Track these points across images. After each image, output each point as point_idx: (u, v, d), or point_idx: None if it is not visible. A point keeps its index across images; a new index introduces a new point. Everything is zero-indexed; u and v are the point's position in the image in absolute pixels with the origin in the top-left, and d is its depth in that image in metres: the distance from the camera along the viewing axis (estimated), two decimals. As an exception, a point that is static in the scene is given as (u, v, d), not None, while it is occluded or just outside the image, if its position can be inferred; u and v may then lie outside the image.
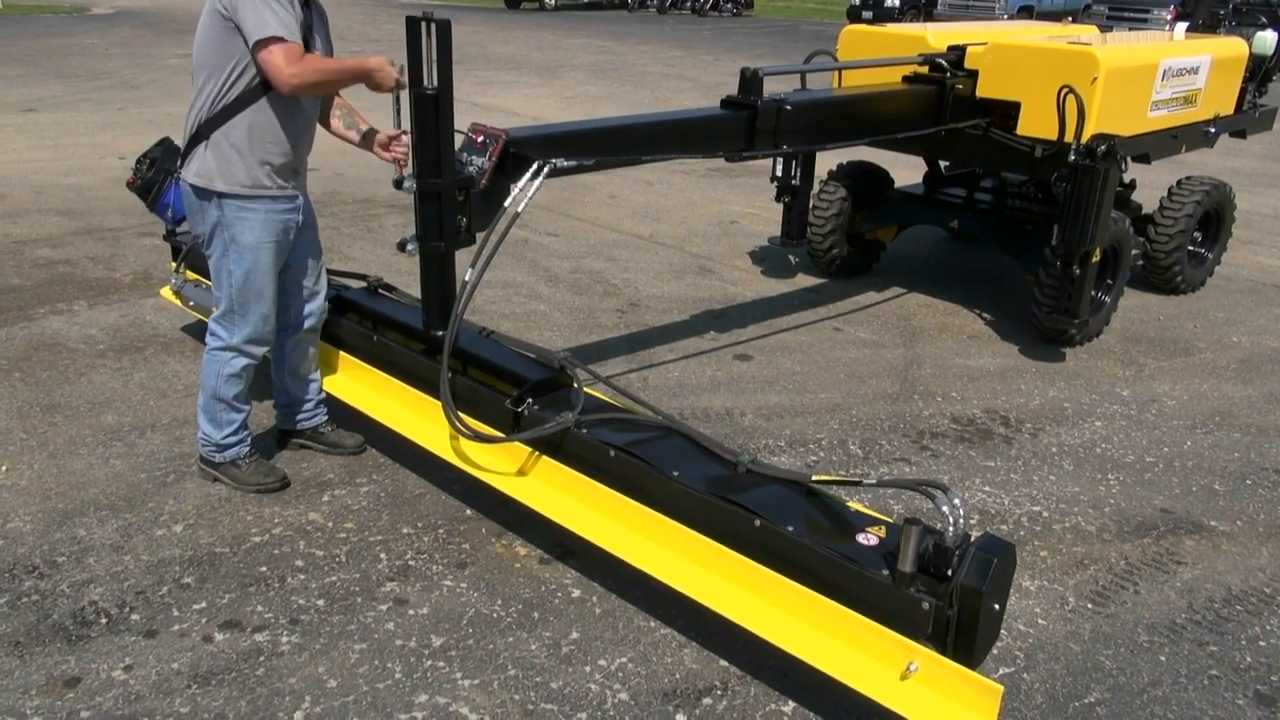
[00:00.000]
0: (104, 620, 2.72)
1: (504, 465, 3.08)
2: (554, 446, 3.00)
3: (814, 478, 2.69)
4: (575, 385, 3.18)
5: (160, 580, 2.91)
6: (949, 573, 2.26)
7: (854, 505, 2.65)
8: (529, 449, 3.03)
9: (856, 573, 2.36)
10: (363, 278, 4.00)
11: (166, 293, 4.43)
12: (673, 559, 2.64)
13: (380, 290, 3.95)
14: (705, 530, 2.60)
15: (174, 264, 4.34)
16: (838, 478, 2.82)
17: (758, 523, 2.53)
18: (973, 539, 2.33)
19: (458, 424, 3.01)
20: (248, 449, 3.42)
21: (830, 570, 2.40)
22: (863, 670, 2.29)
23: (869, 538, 2.46)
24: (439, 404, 3.16)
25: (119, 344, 4.57)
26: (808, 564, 2.44)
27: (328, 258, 5.87)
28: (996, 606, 2.27)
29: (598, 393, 3.24)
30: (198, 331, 4.43)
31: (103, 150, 8.63)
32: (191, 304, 4.27)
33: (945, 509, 2.31)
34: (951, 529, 2.29)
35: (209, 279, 4.23)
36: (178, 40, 17.59)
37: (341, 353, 3.70)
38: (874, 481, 2.72)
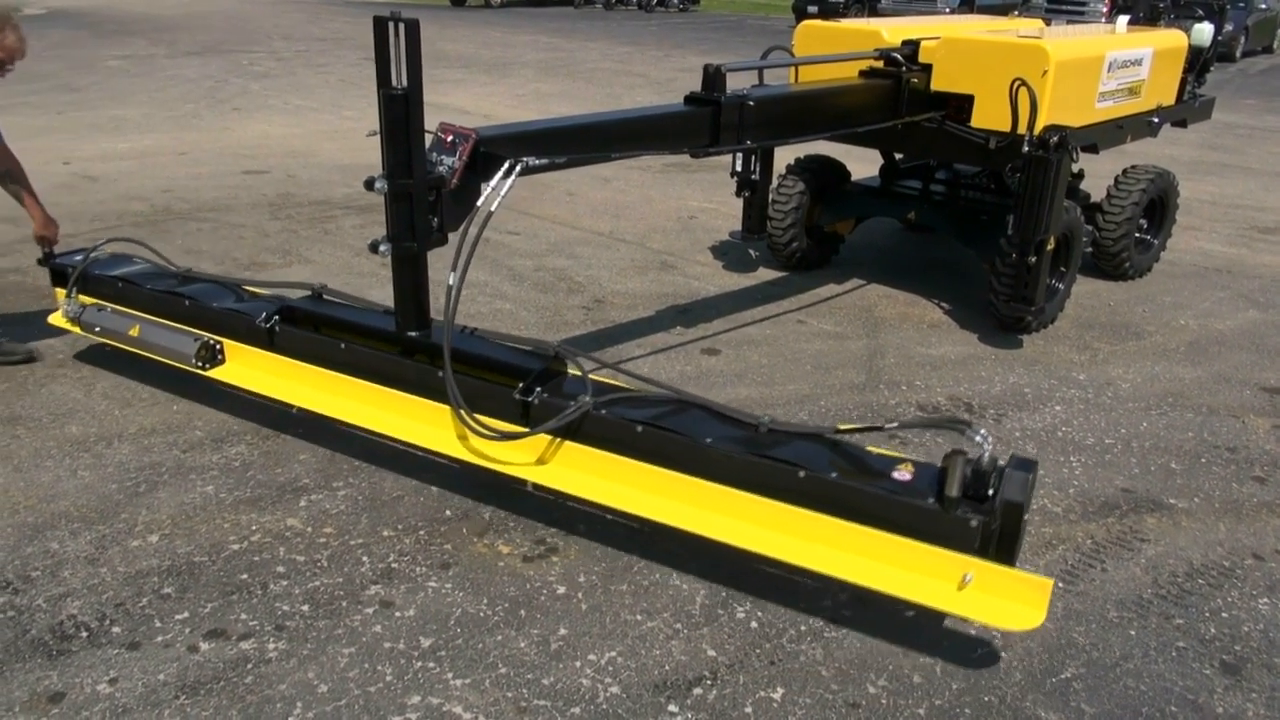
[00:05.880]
0: (84, 634, 2.68)
1: (523, 457, 3.11)
2: (573, 431, 3.05)
3: (838, 426, 2.85)
4: (580, 371, 3.21)
5: (139, 591, 2.87)
6: (989, 493, 2.51)
7: (873, 449, 2.84)
8: (549, 437, 3.07)
9: (907, 504, 2.58)
10: (307, 286, 3.80)
11: (58, 319, 4.17)
12: (726, 520, 2.79)
13: (325, 296, 3.76)
14: (751, 488, 2.75)
15: (64, 290, 4.11)
16: (860, 426, 2.90)
17: (802, 474, 2.70)
18: (1001, 462, 2.57)
19: (473, 424, 3.03)
20: None
21: (882, 506, 2.62)
22: (925, 587, 2.57)
23: (903, 474, 2.66)
24: (434, 405, 3.18)
25: (79, 354, 4.47)
26: (857, 504, 2.65)
27: (286, 260, 5.86)
28: (1028, 516, 2.56)
29: (601, 377, 3.27)
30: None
31: (46, 154, 8.41)
32: (97, 329, 4.03)
33: (978, 438, 2.55)
34: (986, 455, 2.53)
35: (110, 302, 4.08)
36: (117, 42, 17.21)
37: (309, 365, 3.51)
38: (896, 425, 2.88)
